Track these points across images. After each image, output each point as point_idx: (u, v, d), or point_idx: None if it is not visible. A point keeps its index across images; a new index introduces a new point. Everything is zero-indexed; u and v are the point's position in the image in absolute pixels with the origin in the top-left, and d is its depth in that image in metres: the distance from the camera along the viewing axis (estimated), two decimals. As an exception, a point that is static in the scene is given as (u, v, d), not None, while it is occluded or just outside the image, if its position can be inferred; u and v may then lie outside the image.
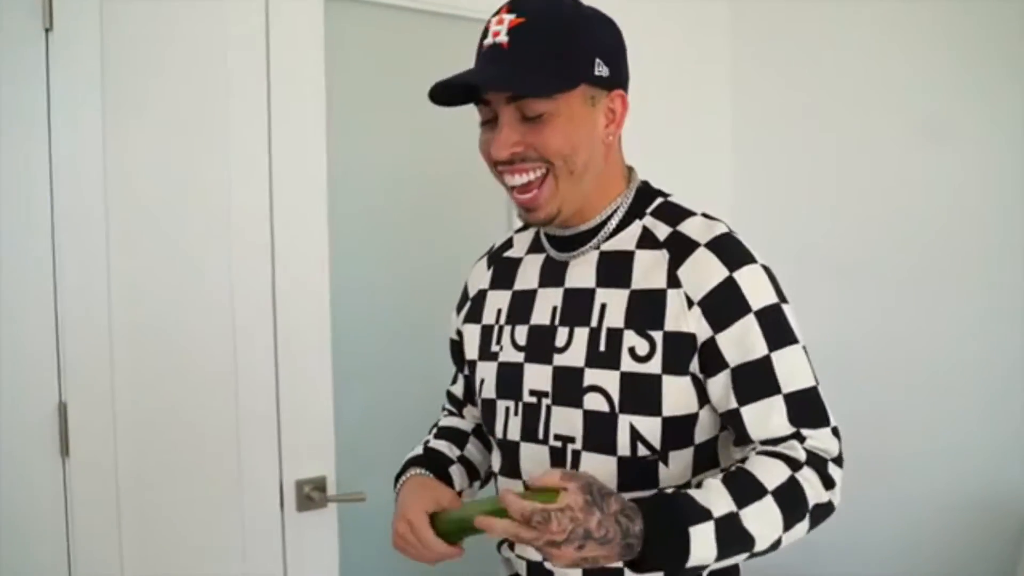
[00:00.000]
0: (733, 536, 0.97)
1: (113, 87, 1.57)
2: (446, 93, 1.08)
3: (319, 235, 1.79)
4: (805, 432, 1.05)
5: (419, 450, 1.31)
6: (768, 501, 0.99)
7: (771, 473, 1.01)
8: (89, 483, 1.58)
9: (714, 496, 0.98)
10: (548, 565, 1.13)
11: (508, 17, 1.05)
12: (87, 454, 1.57)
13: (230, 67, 1.69)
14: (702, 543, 0.95)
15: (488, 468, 1.33)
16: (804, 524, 1.02)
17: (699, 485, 1.01)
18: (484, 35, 1.08)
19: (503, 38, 1.04)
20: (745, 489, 0.99)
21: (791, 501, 1.00)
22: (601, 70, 1.08)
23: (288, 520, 1.77)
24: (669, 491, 1.01)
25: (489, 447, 1.34)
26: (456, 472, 1.29)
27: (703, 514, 0.96)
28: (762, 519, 0.98)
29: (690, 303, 1.06)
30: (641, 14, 1.77)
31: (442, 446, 1.32)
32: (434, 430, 1.38)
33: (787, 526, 1.00)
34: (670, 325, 1.06)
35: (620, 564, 0.98)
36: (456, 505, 1.15)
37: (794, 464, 1.02)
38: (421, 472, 1.24)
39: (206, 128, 1.67)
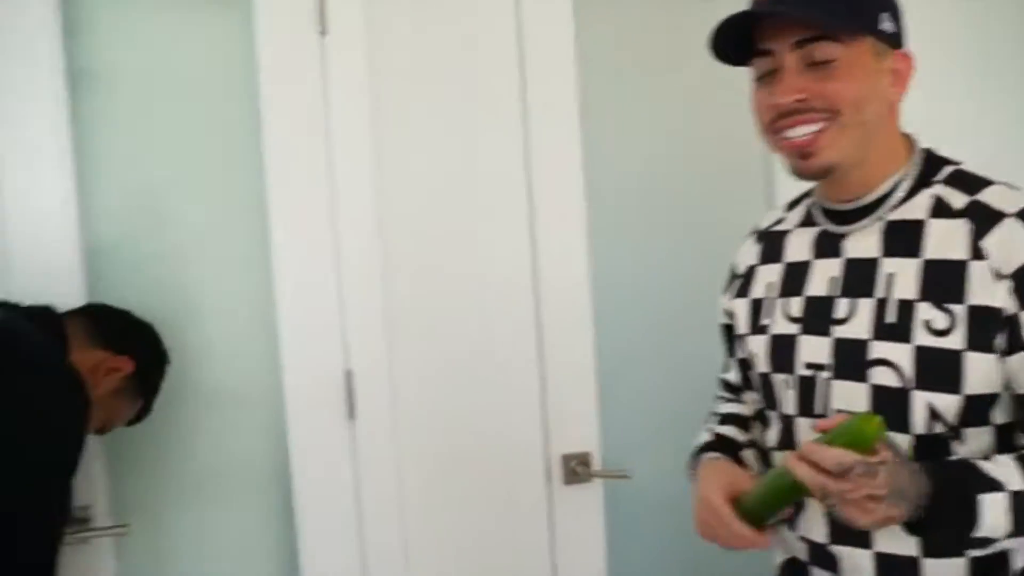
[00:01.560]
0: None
1: (380, 84, 1.70)
2: (724, 42, 1.07)
3: (577, 213, 1.80)
4: None
5: (707, 436, 1.28)
6: None
7: None
8: (373, 444, 1.73)
9: (1007, 471, 0.95)
10: (833, 549, 1.09)
11: None
12: (371, 418, 1.72)
13: (483, 56, 1.75)
14: (993, 513, 0.93)
15: None
16: None
17: (987, 459, 0.98)
18: None
19: None
20: None
21: None
22: (886, 25, 1.05)
23: (555, 492, 1.80)
24: (954, 459, 0.99)
25: None
26: (748, 456, 1.25)
27: (992, 484, 0.93)
28: None
29: (998, 276, 0.99)
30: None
31: (730, 431, 1.28)
32: (715, 418, 1.34)
33: None
34: (974, 299, 0.99)
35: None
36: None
37: None
38: (715, 456, 1.22)
39: (464, 123, 1.75)
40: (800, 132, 1.04)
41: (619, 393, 1.86)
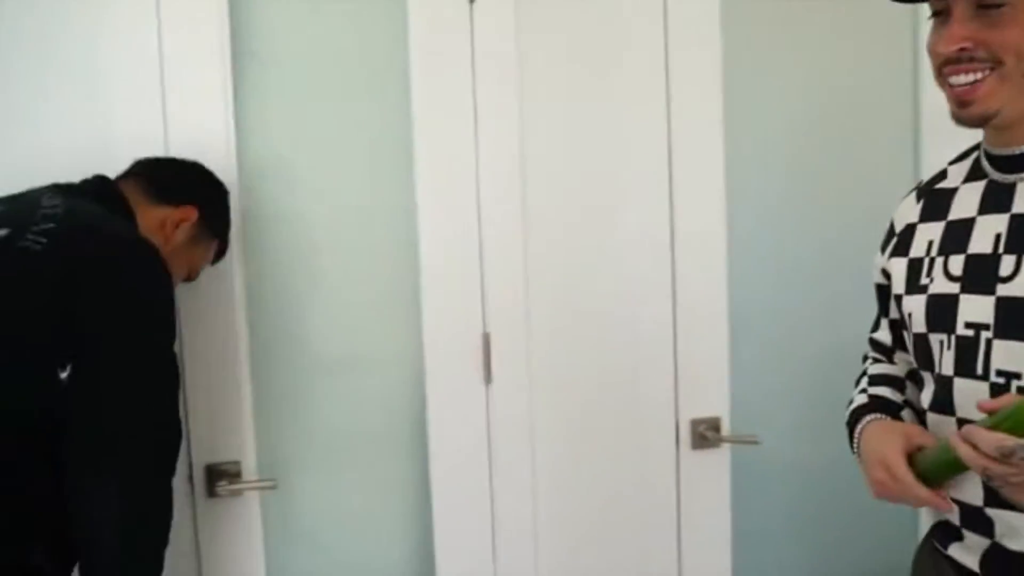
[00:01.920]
0: None
1: (527, 50, 1.72)
2: None
3: (715, 177, 1.82)
4: None
5: (863, 399, 1.27)
6: None
7: None
8: (508, 406, 1.76)
9: None
10: (989, 512, 1.07)
11: None
12: (506, 381, 1.75)
13: (628, 24, 1.77)
14: None
15: None
16: None
17: None
18: None
19: None
20: None
21: None
22: None
23: (683, 457, 1.84)
24: None
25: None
26: (907, 416, 1.24)
27: None
28: None
29: None
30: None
31: (884, 391, 1.28)
32: (864, 379, 1.33)
33: None
34: None
35: None
36: (928, 439, 1.11)
37: None
38: (878, 417, 1.21)
39: (607, 91, 1.77)
40: (963, 80, 1.04)
41: (750, 358, 1.89)
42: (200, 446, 1.61)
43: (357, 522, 1.76)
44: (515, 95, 1.72)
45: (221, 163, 1.56)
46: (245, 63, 1.62)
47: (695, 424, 1.83)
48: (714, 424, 1.83)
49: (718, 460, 1.85)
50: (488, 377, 1.75)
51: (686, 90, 1.79)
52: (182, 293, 1.50)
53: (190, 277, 1.49)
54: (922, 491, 1.06)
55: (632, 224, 1.80)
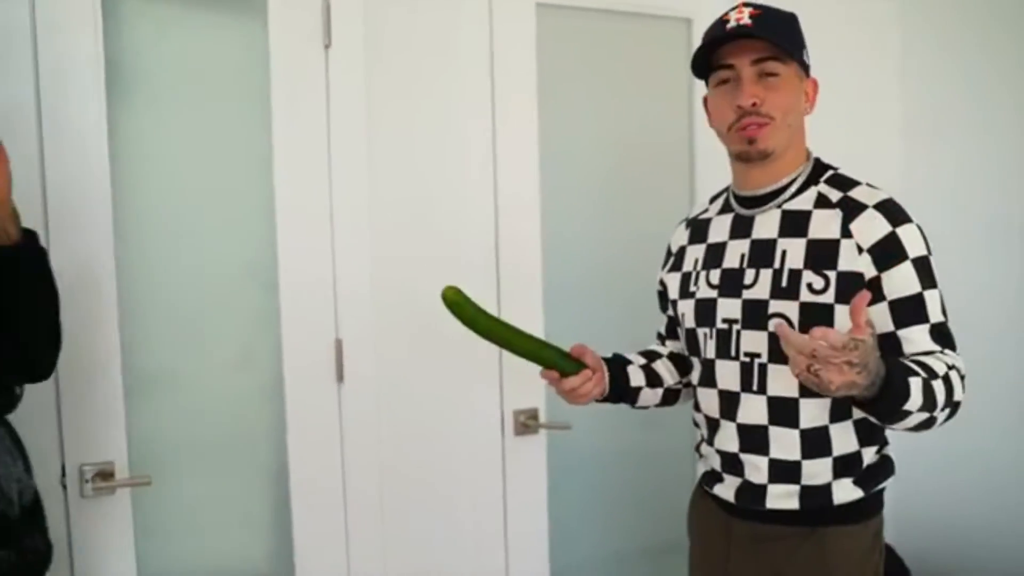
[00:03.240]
0: (928, 394, 1.24)
1: (375, 90, 1.98)
2: (701, 56, 1.42)
3: (533, 206, 2.16)
4: (945, 351, 1.33)
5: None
6: (939, 382, 1.27)
7: (936, 366, 1.28)
8: (358, 404, 2.00)
9: (917, 367, 1.26)
10: (742, 456, 1.44)
11: (747, 9, 1.39)
12: (356, 381, 1.99)
13: (460, 69, 2.07)
14: (915, 391, 1.22)
15: (673, 383, 1.66)
16: (947, 411, 1.29)
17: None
18: (723, 24, 1.39)
19: (747, 21, 1.37)
20: (926, 370, 1.27)
21: (948, 388, 1.28)
22: (806, 58, 1.44)
23: (507, 442, 2.15)
24: (891, 357, 1.28)
25: (680, 369, 1.67)
26: (632, 371, 1.62)
27: (913, 371, 1.24)
28: (938, 392, 1.26)
29: (860, 250, 1.34)
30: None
31: (631, 355, 1.66)
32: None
33: (944, 406, 1.27)
34: (843, 266, 1.35)
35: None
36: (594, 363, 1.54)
37: (947, 366, 1.30)
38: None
39: (442, 121, 2.06)
40: (752, 126, 1.39)
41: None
42: (73, 446, 1.73)
43: (227, 510, 1.94)
44: (363, 124, 1.97)
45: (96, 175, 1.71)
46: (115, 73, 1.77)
47: (517, 414, 2.15)
48: (533, 414, 2.16)
49: (536, 445, 2.18)
50: (340, 376, 1.98)
51: (510, 123, 2.12)
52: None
53: None
54: (572, 381, 1.50)
55: (463, 239, 2.09)
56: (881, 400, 1.22)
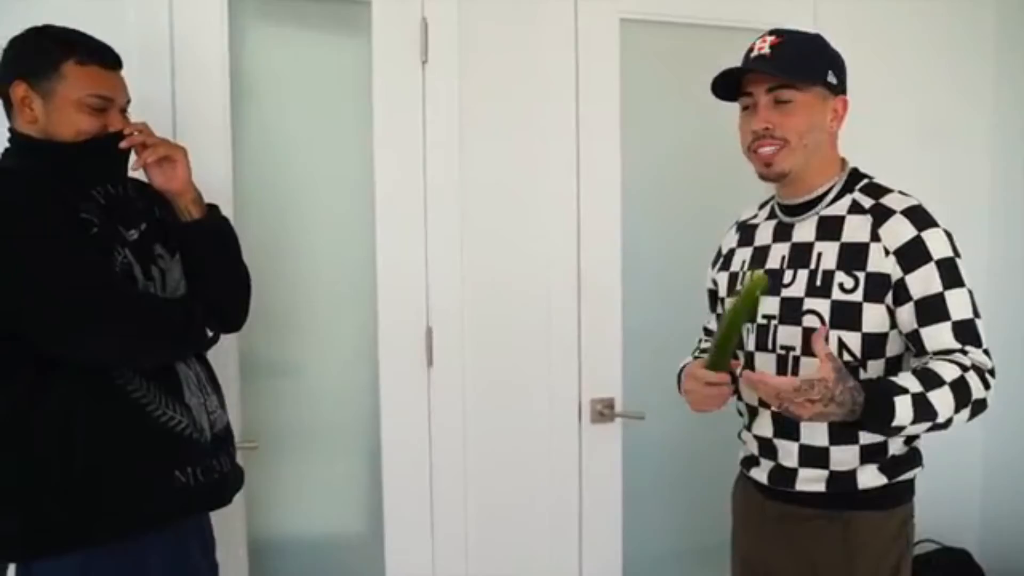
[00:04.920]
0: (922, 408, 1.35)
1: (468, 103, 2.16)
2: (722, 84, 1.55)
3: (613, 216, 2.30)
4: (967, 348, 1.40)
5: (688, 359, 1.77)
6: (945, 389, 1.36)
7: (946, 370, 1.38)
8: (445, 387, 2.19)
9: (908, 381, 1.37)
10: (775, 442, 1.56)
11: (770, 38, 1.51)
12: (445, 365, 2.18)
13: (546, 81, 2.23)
14: (903, 409, 1.34)
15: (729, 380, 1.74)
16: (967, 411, 1.38)
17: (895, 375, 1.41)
18: (749, 52, 1.53)
19: (767, 51, 1.49)
20: (930, 379, 1.37)
21: (961, 391, 1.36)
22: (831, 79, 1.51)
23: (584, 429, 2.30)
24: (876, 378, 1.43)
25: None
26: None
27: (902, 390, 1.35)
28: (941, 400, 1.35)
29: (887, 252, 1.45)
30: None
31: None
32: (696, 351, 1.82)
33: (957, 409, 1.36)
34: (871, 268, 1.46)
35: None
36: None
37: (962, 367, 1.38)
38: (691, 360, 1.71)
39: (529, 129, 2.23)
40: (765, 150, 1.51)
41: (639, 351, 2.34)
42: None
43: (327, 484, 2.18)
44: (456, 131, 2.15)
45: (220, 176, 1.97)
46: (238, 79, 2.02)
47: (594, 403, 2.29)
48: (609, 403, 2.29)
49: (612, 433, 2.32)
50: (430, 361, 2.18)
51: (593, 130, 2.26)
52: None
53: (105, 126, 1.52)
54: (711, 375, 1.50)
55: (546, 237, 2.24)
56: (866, 422, 1.36)
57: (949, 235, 1.45)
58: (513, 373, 2.24)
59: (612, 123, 2.28)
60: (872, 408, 1.34)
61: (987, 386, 1.39)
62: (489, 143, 2.20)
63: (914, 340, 1.44)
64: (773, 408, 1.42)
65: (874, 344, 1.47)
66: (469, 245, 2.19)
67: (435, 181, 2.16)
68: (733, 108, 1.60)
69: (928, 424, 1.36)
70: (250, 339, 2.04)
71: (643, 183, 2.35)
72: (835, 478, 1.49)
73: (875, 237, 1.46)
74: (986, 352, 1.42)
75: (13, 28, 1.53)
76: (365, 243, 2.13)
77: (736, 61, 1.58)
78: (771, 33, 1.52)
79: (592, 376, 2.29)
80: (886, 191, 1.53)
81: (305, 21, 2.11)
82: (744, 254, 1.68)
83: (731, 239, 1.76)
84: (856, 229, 1.49)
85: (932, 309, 1.42)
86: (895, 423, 1.34)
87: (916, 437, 1.53)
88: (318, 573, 2.19)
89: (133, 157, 1.57)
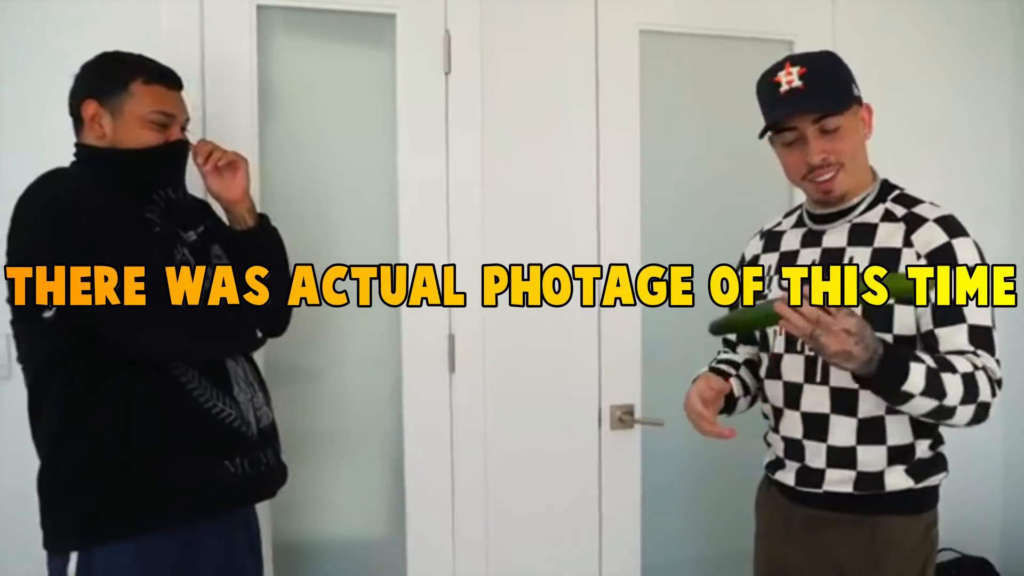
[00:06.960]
0: (934, 383, 1.37)
1: (490, 113, 2.20)
2: (770, 125, 1.56)
3: (632, 220, 2.33)
4: (980, 352, 1.43)
5: (703, 370, 1.77)
6: (958, 377, 1.39)
7: (959, 363, 1.41)
8: (467, 393, 2.22)
9: (925, 356, 1.40)
10: (804, 442, 1.57)
11: (795, 69, 1.51)
12: (467, 371, 2.21)
13: (567, 92, 2.27)
14: (916, 375, 1.36)
15: (754, 388, 1.77)
16: (971, 409, 1.39)
17: None
18: (776, 87, 1.52)
19: (798, 83, 1.50)
20: (944, 364, 1.40)
21: (970, 384, 1.39)
22: (856, 91, 1.55)
23: (604, 435, 2.32)
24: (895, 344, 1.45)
25: (755, 373, 1.77)
26: (734, 382, 1.73)
27: (919, 359, 1.39)
28: (952, 384, 1.38)
29: (919, 256, 1.48)
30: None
31: (723, 366, 1.78)
32: (713, 360, 1.83)
33: (963, 401, 1.38)
34: (903, 270, 1.48)
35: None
36: (722, 387, 1.60)
37: (974, 366, 1.41)
38: (705, 371, 1.72)
39: (550, 139, 2.26)
40: (824, 177, 1.54)
41: (659, 357, 2.36)
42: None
43: (350, 490, 2.21)
44: (478, 141, 2.19)
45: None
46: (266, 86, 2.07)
47: (614, 409, 2.31)
48: (629, 410, 2.31)
49: (631, 439, 2.33)
50: (452, 367, 2.21)
51: (613, 141, 2.29)
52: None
53: (167, 140, 1.61)
54: (706, 412, 1.56)
55: (567, 245, 2.27)
56: (879, 378, 1.36)
57: (978, 246, 1.49)
58: (534, 380, 2.27)
59: (632, 132, 2.31)
60: (888, 366, 1.35)
61: (993, 393, 1.41)
62: (511, 153, 2.23)
63: (929, 341, 1.46)
64: (801, 339, 1.41)
65: (904, 346, 1.48)
66: (490, 253, 2.22)
67: (458, 189, 2.19)
68: (752, 118, 1.62)
69: (935, 404, 1.37)
70: (276, 344, 2.06)
71: (663, 191, 2.38)
72: (862, 479, 1.51)
73: (908, 243, 1.50)
74: (997, 362, 1.45)
75: (66, 50, 1.68)
76: (389, 250, 2.16)
77: (755, 73, 1.59)
78: (791, 63, 1.52)
79: (612, 382, 2.32)
80: (918, 201, 1.56)
81: (331, 33, 2.15)
82: (770, 259, 1.70)
83: (755, 246, 1.78)
84: (889, 236, 1.52)
85: (949, 312, 1.45)
86: (905, 387, 1.36)
87: (940, 442, 1.54)
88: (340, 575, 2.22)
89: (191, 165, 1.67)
